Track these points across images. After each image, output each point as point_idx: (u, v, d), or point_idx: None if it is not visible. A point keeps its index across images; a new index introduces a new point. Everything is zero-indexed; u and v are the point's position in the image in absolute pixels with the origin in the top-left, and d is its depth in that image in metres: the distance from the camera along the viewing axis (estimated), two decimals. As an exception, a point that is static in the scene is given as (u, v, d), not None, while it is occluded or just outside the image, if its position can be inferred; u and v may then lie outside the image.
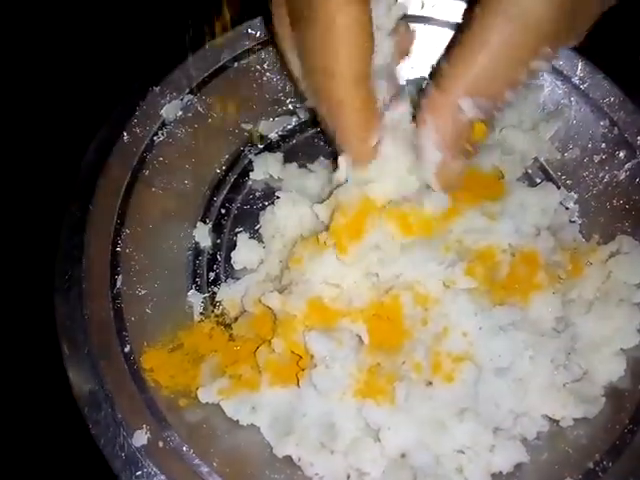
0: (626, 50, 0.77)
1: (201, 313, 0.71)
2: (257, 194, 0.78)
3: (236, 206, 0.77)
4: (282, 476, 0.61)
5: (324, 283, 0.64)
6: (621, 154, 0.73)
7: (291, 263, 0.66)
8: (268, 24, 0.66)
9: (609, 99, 0.74)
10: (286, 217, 0.72)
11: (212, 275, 0.74)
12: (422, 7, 0.79)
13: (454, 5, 0.79)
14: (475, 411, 0.60)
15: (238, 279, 0.72)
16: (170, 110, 0.74)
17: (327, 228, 0.64)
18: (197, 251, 0.75)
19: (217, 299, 0.71)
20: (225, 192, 0.78)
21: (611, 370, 0.65)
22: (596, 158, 0.74)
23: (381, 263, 0.63)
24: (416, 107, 0.61)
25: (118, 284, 0.66)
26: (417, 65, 0.79)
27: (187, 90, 0.75)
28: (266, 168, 0.78)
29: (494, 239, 0.66)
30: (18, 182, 0.85)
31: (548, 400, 0.62)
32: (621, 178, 0.73)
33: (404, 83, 0.75)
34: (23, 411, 0.76)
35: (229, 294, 0.71)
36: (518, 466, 0.61)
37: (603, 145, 0.74)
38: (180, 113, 0.74)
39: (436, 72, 0.59)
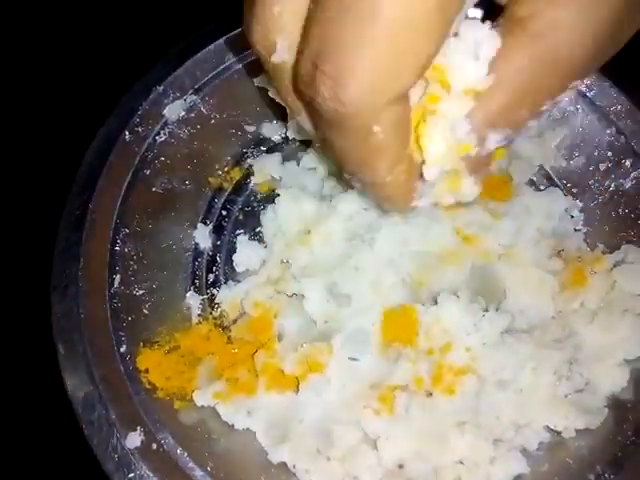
0: (633, 58, 0.77)
1: (199, 315, 0.71)
2: (259, 196, 0.77)
3: (237, 208, 0.77)
4: (277, 482, 0.60)
5: None
6: (627, 163, 0.72)
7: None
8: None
9: (616, 107, 0.73)
10: (287, 214, 0.72)
11: (211, 277, 0.73)
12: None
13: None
14: (476, 423, 0.59)
15: (238, 281, 0.71)
16: (173, 110, 0.73)
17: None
18: (197, 252, 0.74)
19: (217, 300, 0.71)
20: (226, 194, 0.77)
21: (614, 381, 0.64)
22: (602, 166, 0.73)
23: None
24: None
25: (116, 284, 0.66)
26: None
27: (190, 90, 0.74)
28: (266, 170, 0.77)
29: (493, 236, 0.65)
30: (18, 179, 0.84)
31: (550, 411, 0.61)
32: (627, 187, 0.72)
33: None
34: (16, 410, 0.76)
35: (229, 296, 0.70)
36: (518, 477, 0.60)
37: (609, 153, 0.73)
38: (183, 113, 0.74)
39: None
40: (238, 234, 0.75)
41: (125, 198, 0.69)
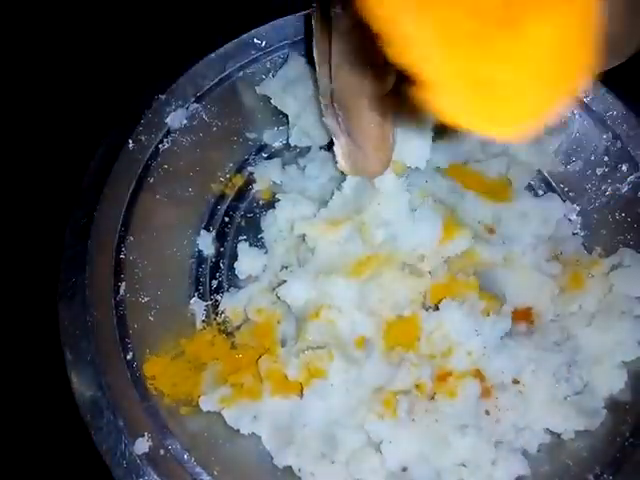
0: (629, 64, 0.78)
1: (203, 321, 0.72)
2: (260, 202, 0.78)
3: (239, 214, 0.78)
4: (283, 485, 0.61)
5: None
6: (624, 167, 0.73)
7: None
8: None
9: (612, 113, 0.74)
10: (287, 219, 0.72)
11: (215, 283, 0.74)
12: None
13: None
14: (477, 425, 0.60)
15: (241, 287, 0.72)
16: (175, 118, 0.74)
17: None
18: (200, 259, 0.75)
19: (220, 308, 0.72)
20: (229, 200, 0.78)
21: (612, 383, 0.65)
22: (599, 171, 0.74)
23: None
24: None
25: (121, 291, 0.67)
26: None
27: (192, 99, 0.75)
28: (268, 176, 0.78)
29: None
30: (23, 188, 0.85)
31: (550, 413, 0.62)
32: (623, 191, 0.73)
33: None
34: (26, 417, 0.76)
35: (232, 302, 0.71)
36: (519, 478, 0.61)
37: (606, 158, 0.74)
38: (185, 121, 0.74)
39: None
40: (240, 240, 0.75)
41: (129, 206, 0.70)
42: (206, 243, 0.75)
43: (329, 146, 0.78)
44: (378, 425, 0.60)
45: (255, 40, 0.77)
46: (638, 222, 0.72)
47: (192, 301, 0.72)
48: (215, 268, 0.75)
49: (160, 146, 0.73)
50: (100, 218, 0.69)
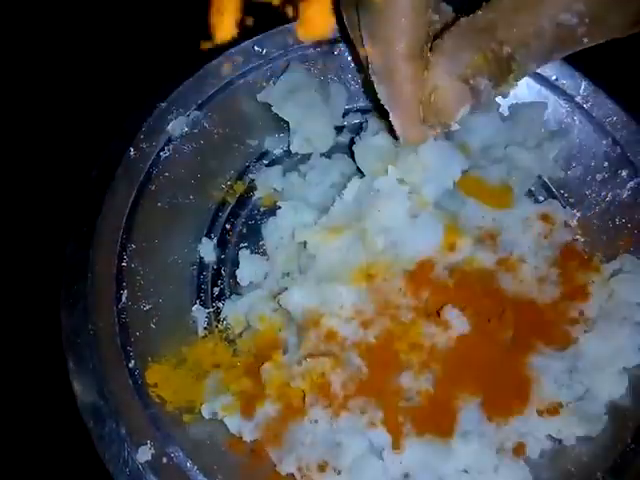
0: (629, 69, 0.78)
1: (205, 328, 0.72)
2: (262, 209, 0.79)
3: (241, 221, 0.78)
4: (285, 493, 0.61)
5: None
6: (623, 173, 0.73)
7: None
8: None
9: (612, 118, 0.74)
10: (288, 226, 0.72)
11: (216, 290, 0.74)
12: None
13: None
14: (479, 432, 0.60)
15: (243, 295, 0.72)
16: (176, 126, 0.74)
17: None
18: (202, 266, 0.75)
19: (222, 315, 0.72)
20: (230, 208, 0.78)
21: (613, 389, 0.65)
22: (599, 177, 0.75)
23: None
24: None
25: (123, 299, 0.67)
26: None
27: (193, 107, 0.75)
28: (269, 183, 0.78)
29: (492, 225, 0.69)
30: (25, 197, 0.85)
31: (551, 419, 0.62)
32: (623, 197, 0.73)
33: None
34: (28, 425, 0.76)
35: (234, 310, 0.71)
36: (521, 485, 0.61)
37: (606, 164, 0.74)
38: (186, 129, 0.75)
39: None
40: (242, 247, 0.76)
41: (131, 214, 0.70)
42: (207, 250, 0.76)
43: (330, 153, 0.79)
44: (380, 432, 0.60)
45: (256, 48, 0.78)
46: (638, 228, 0.72)
47: (194, 308, 0.73)
48: (217, 275, 0.75)
49: (161, 154, 0.74)
50: (102, 226, 0.69)
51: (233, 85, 0.77)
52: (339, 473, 0.60)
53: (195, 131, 0.76)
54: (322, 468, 0.60)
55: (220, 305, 0.73)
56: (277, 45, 0.78)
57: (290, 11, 0.63)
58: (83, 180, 0.71)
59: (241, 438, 0.63)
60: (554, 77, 0.77)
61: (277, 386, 0.64)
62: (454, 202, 0.71)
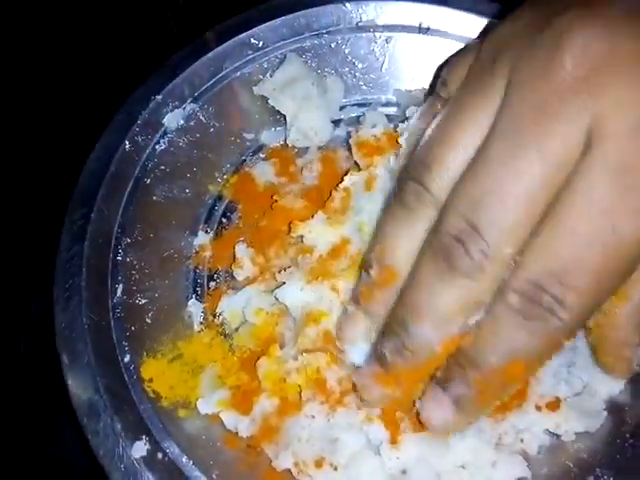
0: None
1: (201, 323, 0.71)
2: (258, 203, 0.78)
3: (237, 215, 0.77)
4: (281, 489, 0.61)
5: None
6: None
7: None
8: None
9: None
10: (285, 220, 0.72)
11: (213, 284, 0.74)
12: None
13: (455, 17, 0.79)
14: (477, 427, 0.60)
15: (239, 289, 0.71)
16: (172, 119, 0.74)
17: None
18: (198, 260, 0.74)
19: (218, 310, 0.71)
20: (226, 201, 0.78)
21: (612, 384, 0.64)
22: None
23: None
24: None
25: (118, 293, 0.66)
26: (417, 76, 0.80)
27: (189, 99, 0.75)
28: (265, 177, 0.78)
29: None
30: (18, 190, 0.85)
31: (549, 414, 0.62)
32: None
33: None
34: (21, 419, 0.76)
35: (230, 305, 0.70)
36: (519, 480, 0.61)
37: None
38: (182, 122, 0.74)
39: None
40: (238, 241, 0.75)
41: (126, 208, 0.70)
42: (204, 244, 0.75)
43: (327, 146, 0.78)
44: (377, 427, 0.60)
45: (252, 40, 0.77)
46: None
47: (190, 303, 0.72)
48: (213, 269, 0.74)
49: (157, 147, 0.73)
50: (96, 220, 0.68)
51: (229, 78, 0.76)
52: (336, 469, 0.60)
53: (191, 124, 0.75)
54: (319, 464, 0.60)
55: (216, 299, 0.72)
56: (273, 38, 0.78)
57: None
58: (77, 173, 0.70)
59: (237, 433, 0.62)
60: None
61: (273, 381, 0.63)
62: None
